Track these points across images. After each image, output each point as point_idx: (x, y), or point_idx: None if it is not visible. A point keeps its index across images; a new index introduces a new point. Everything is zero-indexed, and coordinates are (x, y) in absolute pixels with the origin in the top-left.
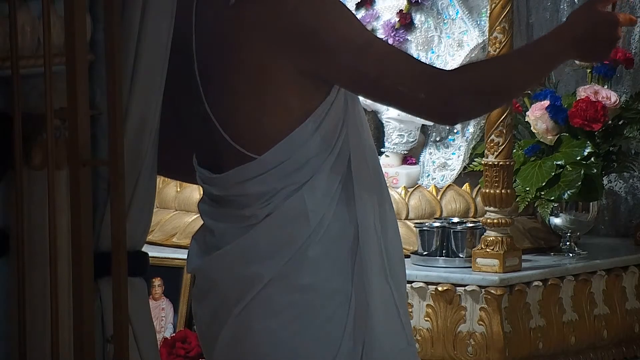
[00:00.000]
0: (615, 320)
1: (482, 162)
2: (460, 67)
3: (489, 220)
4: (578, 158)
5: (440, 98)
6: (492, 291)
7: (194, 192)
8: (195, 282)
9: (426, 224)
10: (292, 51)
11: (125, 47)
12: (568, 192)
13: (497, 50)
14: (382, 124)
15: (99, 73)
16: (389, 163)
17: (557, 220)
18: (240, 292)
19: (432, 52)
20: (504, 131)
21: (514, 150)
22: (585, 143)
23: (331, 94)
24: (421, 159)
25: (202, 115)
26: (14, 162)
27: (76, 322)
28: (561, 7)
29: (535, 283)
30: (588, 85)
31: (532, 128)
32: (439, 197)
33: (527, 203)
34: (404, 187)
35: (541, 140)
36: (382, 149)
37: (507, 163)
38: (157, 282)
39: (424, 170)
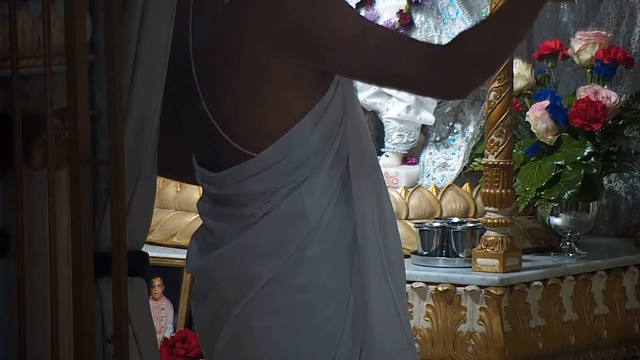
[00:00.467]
0: (615, 320)
1: (482, 162)
2: (454, 40)
3: (489, 220)
4: (578, 158)
5: (442, 75)
6: (492, 291)
7: (194, 192)
8: (194, 282)
9: (426, 224)
10: (290, 48)
11: (125, 47)
12: (568, 192)
13: None
14: (382, 124)
15: (99, 73)
16: (389, 163)
17: (557, 220)
18: (240, 291)
19: None
20: (504, 131)
21: (514, 150)
22: (585, 143)
23: (329, 91)
24: (421, 159)
25: (201, 114)
26: (14, 162)
27: (76, 322)
28: (561, 7)
29: (535, 283)
30: (588, 85)
31: (532, 128)
32: (439, 197)
33: (527, 203)
34: (404, 187)
35: (541, 140)
36: (382, 149)
37: (507, 163)
38: (157, 282)
39: (424, 170)
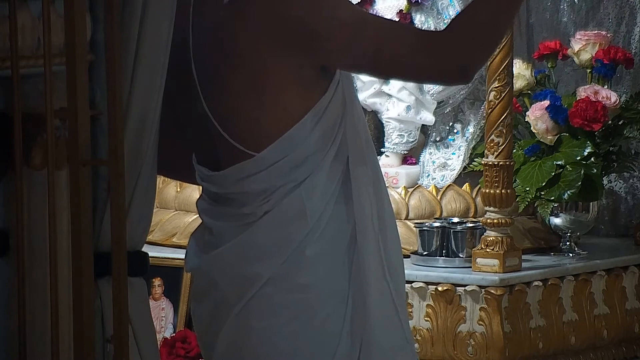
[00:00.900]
0: (615, 320)
1: (482, 162)
2: (451, 24)
3: (489, 220)
4: (578, 158)
5: (443, 60)
6: (492, 291)
7: (194, 192)
8: (193, 282)
9: (426, 224)
10: (290, 45)
11: (125, 47)
12: (568, 192)
13: (497, 50)
14: (382, 124)
15: (99, 73)
16: (389, 163)
17: (557, 220)
18: (239, 291)
19: None
20: (504, 131)
21: (514, 150)
22: (585, 143)
23: (329, 91)
24: (421, 159)
25: (201, 114)
26: (14, 162)
27: (76, 322)
28: (561, 7)
29: (535, 283)
30: (588, 85)
31: (532, 128)
32: (439, 197)
33: (527, 203)
34: (404, 187)
35: (541, 140)
36: (382, 149)
37: (507, 163)
38: (157, 282)
39: (424, 170)
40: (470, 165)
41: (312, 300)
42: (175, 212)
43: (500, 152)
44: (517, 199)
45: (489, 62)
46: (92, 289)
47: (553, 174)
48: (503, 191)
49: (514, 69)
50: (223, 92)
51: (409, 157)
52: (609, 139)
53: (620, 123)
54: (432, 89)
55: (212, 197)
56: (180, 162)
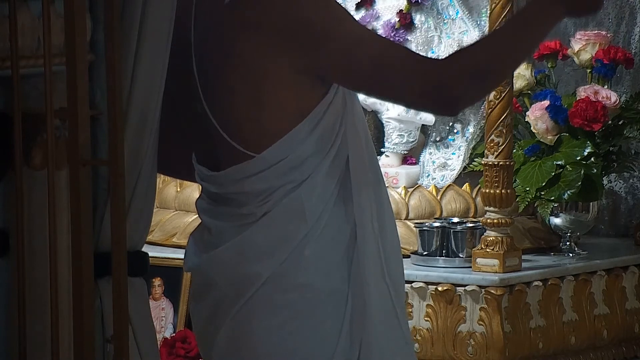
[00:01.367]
0: (615, 320)
1: (482, 162)
2: (453, 54)
3: (489, 220)
4: (578, 158)
5: (436, 88)
6: (492, 291)
7: (194, 192)
8: (192, 281)
9: (426, 224)
10: (288, 49)
11: (125, 47)
12: (568, 192)
13: None
14: (382, 124)
15: (99, 73)
16: (389, 163)
17: (557, 220)
18: (238, 290)
19: (432, 52)
20: (504, 131)
21: (514, 150)
22: (585, 143)
23: (329, 93)
24: (421, 159)
25: (201, 113)
26: (14, 162)
27: (76, 322)
28: None
29: (535, 283)
30: (588, 85)
31: (532, 128)
32: (439, 197)
33: (527, 203)
34: (404, 187)
35: (541, 140)
36: (382, 149)
37: (507, 163)
38: (157, 282)
39: (424, 170)
40: (470, 165)
41: (310, 300)
42: (175, 212)
43: (500, 152)
44: (517, 199)
45: None
46: (92, 289)
47: (553, 174)
48: (503, 191)
49: None
50: (223, 92)
51: (409, 157)
52: (609, 139)
53: (620, 123)
54: None
55: (211, 196)
56: (180, 162)
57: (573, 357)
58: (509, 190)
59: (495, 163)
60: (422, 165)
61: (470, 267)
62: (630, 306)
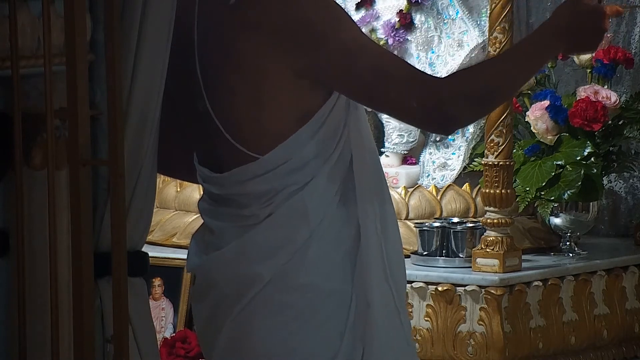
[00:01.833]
0: (615, 320)
1: (482, 162)
2: (451, 75)
3: (489, 220)
4: (578, 158)
5: (431, 106)
6: (492, 291)
7: (194, 192)
8: (194, 281)
9: (426, 224)
10: (288, 49)
11: (125, 47)
12: (568, 192)
13: (497, 50)
14: (382, 124)
15: (99, 73)
16: (389, 163)
17: (557, 220)
18: (240, 291)
19: (432, 52)
20: (504, 131)
21: (514, 150)
22: (585, 143)
23: (332, 96)
24: (421, 159)
25: (204, 114)
26: (14, 162)
27: (76, 322)
28: None
29: (535, 283)
30: (588, 85)
31: (532, 128)
32: (439, 197)
33: (527, 203)
34: (404, 187)
35: (541, 140)
36: (382, 149)
37: (507, 163)
38: (157, 282)
39: (424, 170)
40: (470, 165)
41: (311, 300)
42: (175, 212)
43: (500, 152)
44: (517, 199)
45: None
46: (92, 289)
47: (553, 174)
48: (503, 191)
49: None
50: (224, 92)
51: (409, 157)
52: (609, 139)
53: (620, 123)
54: None
55: (213, 197)
56: (180, 162)
57: (573, 357)
58: (509, 190)
59: (495, 163)
60: (422, 165)
61: (470, 267)
62: (630, 306)
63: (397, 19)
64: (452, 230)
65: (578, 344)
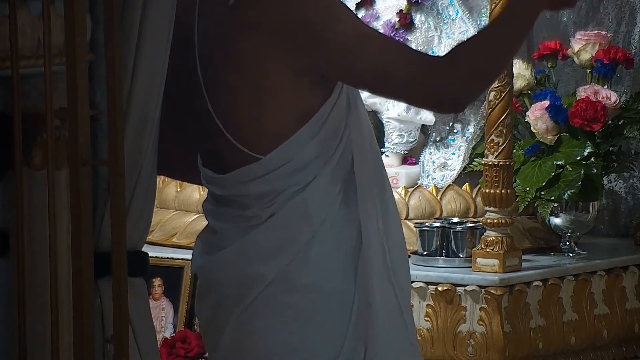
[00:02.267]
0: (615, 320)
1: (482, 162)
2: (452, 51)
3: (489, 220)
4: (578, 158)
5: (439, 86)
6: (492, 291)
7: (194, 192)
8: (198, 281)
9: (426, 224)
10: (288, 49)
11: (125, 47)
12: (568, 192)
13: None
14: (382, 124)
15: (99, 73)
16: (389, 163)
17: (557, 220)
18: (243, 291)
19: (432, 52)
20: (504, 131)
21: (514, 150)
22: (585, 143)
23: (333, 95)
24: (421, 159)
25: (205, 114)
26: (14, 162)
27: (76, 322)
28: None
29: (535, 283)
30: (588, 85)
31: (532, 128)
32: (439, 197)
33: (527, 203)
34: (404, 187)
35: (541, 140)
36: (382, 149)
37: (507, 163)
38: (157, 282)
39: (424, 170)
40: (470, 165)
41: (313, 300)
42: (175, 212)
43: (500, 152)
44: (517, 199)
45: None
46: (92, 289)
47: (553, 174)
48: (503, 191)
49: (514, 68)
50: (224, 92)
51: (409, 157)
52: (609, 139)
53: (620, 123)
54: None
55: (216, 198)
56: (180, 162)
57: (573, 357)
58: (509, 190)
59: (495, 163)
60: (422, 165)
61: (470, 267)
62: (630, 306)
63: (397, 19)
64: (452, 230)
65: (578, 344)
